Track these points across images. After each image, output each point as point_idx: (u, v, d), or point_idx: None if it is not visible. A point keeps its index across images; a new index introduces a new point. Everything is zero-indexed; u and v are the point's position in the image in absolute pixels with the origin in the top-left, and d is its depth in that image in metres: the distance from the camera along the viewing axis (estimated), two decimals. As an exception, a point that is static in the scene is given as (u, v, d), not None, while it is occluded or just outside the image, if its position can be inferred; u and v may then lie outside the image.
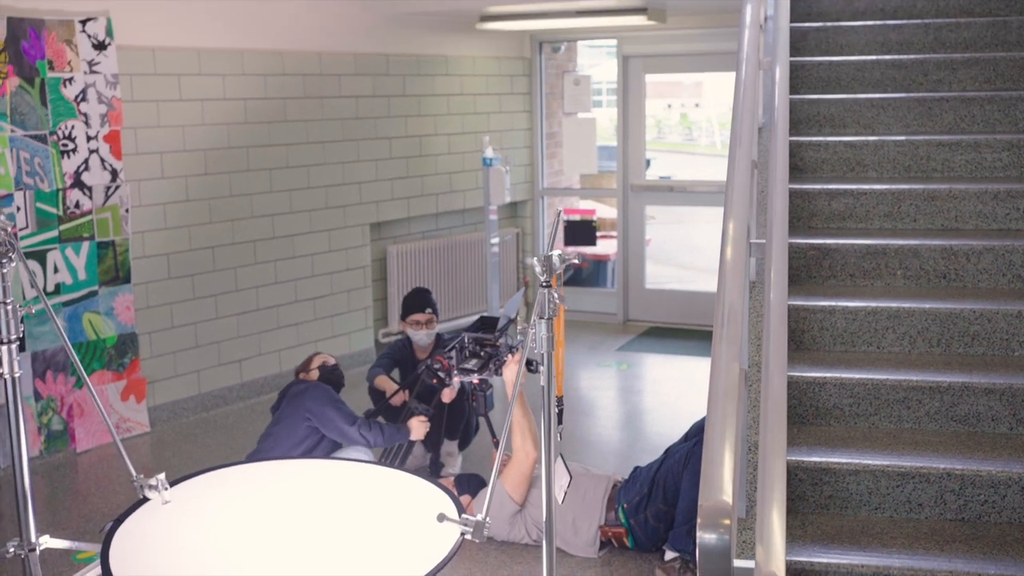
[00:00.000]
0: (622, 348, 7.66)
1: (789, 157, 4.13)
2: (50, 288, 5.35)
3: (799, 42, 4.92)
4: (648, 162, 8.67)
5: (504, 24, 7.41)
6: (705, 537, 1.68)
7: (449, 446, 5.24)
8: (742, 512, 2.92)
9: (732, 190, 2.64)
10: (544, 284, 2.70)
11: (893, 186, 4.00)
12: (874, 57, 4.72)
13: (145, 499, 3.02)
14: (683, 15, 7.63)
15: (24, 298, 4.97)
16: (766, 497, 2.00)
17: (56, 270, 5.40)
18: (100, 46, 5.46)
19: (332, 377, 4.81)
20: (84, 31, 5.39)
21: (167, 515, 2.94)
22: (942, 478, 2.98)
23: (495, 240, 7.37)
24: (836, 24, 4.96)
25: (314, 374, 4.80)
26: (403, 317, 5.37)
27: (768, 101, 3.71)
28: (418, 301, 5.34)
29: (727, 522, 1.69)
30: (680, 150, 13.64)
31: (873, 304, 3.51)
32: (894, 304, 3.50)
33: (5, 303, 3.07)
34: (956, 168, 4.17)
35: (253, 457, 4.51)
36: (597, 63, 9.69)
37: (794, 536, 2.92)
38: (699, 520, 1.69)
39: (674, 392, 6.58)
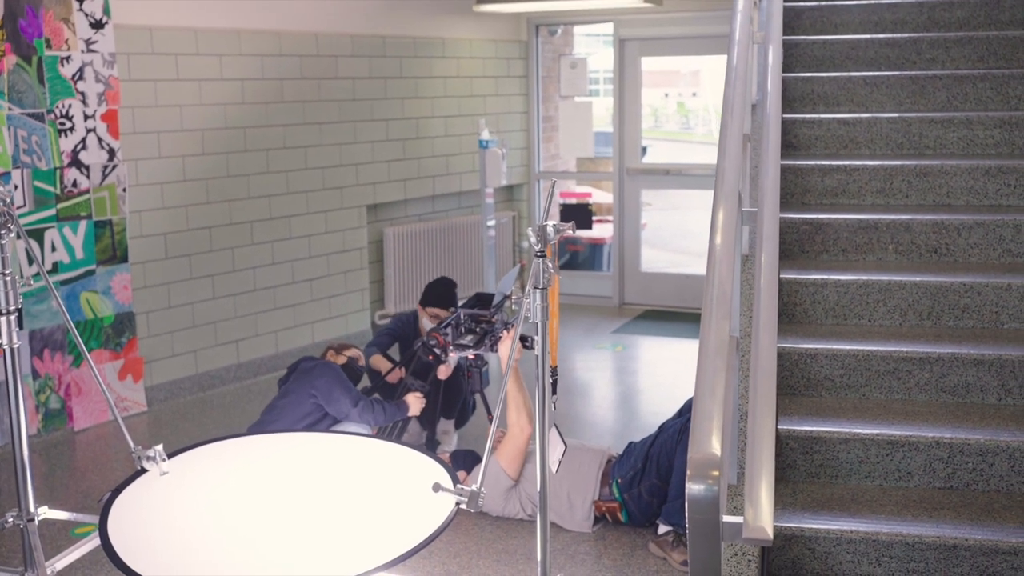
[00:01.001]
0: (617, 331, 7.70)
1: (783, 135, 4.16)
2: (47, 267, 5.37)
3: (794, 21, 4.95)
4: (644, 149, 8.69)
5: (501, 6, 7.43)
6: (694, 488, 1.71)
7: (445, 424, 5.27)
8: (733, 479, 2.96)
9: (724, 156, 2.67)
10: (539, 254, 2.73)
11: (886, 162, 4.03)
12: (868, 36, 4.75)
13: (143, 470, 3.05)
14: (679, -3, 7.65)
15: (22, 275, 4.99)
16: (755, 455, 2.03)
17: (54, 249, 5.42)
18: (97, 25, 5.47)
19: (352, 373, 4.86)
20: (81, 9, 5.40)
21: (165, 486, 2.97)
22: (931, 447, 3.01)
23: (491, 223, 7.40)
24: (831, 3, 4.98)
25: (341, 359, 4.86)
26: (424, 304, 5.29)
27: (762, 78, 3.73)
28: (447, 298, 5.25)
29: (716, 473, 1.72)
30: (677, 139, 13.63)
31: (865, 277, 3.54)
32: (885, 278, 3.53)
33: (4, 274, 3.10)
34: (948, 145, 4.20)
35: (255, 428, 4.56)
36: (594, 51, 9.69)
37: (785, 503, 2.96)
38: (688, 472, 1.72)
39: (669, 373, 6.61)
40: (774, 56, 3.66)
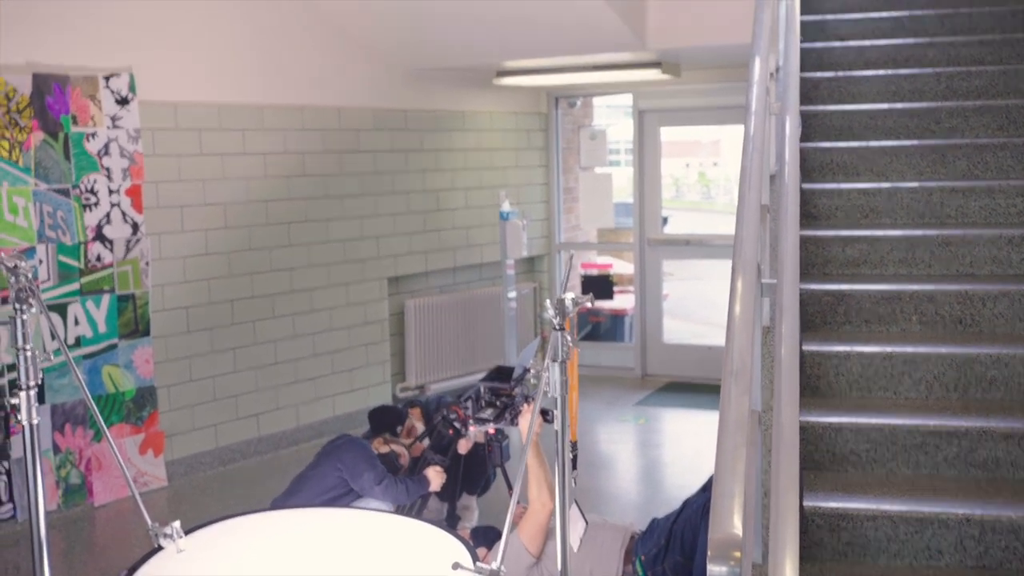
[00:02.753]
0: (640, 403, 7.63)
1: (803, 205, 4.14)
2: (70, 341, 5.39)
3: (812, 92, 4.96)
4: (665, 219, 8.70)
5: (520, 79, 7.51)
6: (715, 570, 1.66)
7: (467, 500, 5.21)
8: (758, 557, 2.88)
9: (742, 226, 2.65)
10: (557, 327, 2.71)
11: (907, 232, 4.00)
12: (886, 105, 4.74)
13: (159, 547, 3.01)
14: (697, 69, 7.70)
15: (44, 350, 5.00)
16: (779, 534, 1.97)
17: (77, 323, 5.45)
18: (123, 101, 5.56)
19: (390, 465, 4.79)
20: (107, 87, 5.49)
21: (182, 563, 2.93)
22: (961, 524, 2.93)
23: (512, 294, 7.38)
24: (848, 74, 4.99)
25: (384, 449, 4.82)
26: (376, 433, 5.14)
27: (780, 148, 3.73)
28: (390, 421, 5.18)
29: (737, 554, 1.67)
30: (699, 208, 13.65)
31: (889, 349, 3.48)
32: (910, 349, 3.47)
33: (25, 349, 3.10)
34: (970, 214, 4.16)
35: (280, 498, 4.55)
36: (614, 122, 9.77)
37: (812, 583, 2.88)
38: (709, 553, 1.68)
39: (693, 446, 6.53)
40: (791, 126, 3.66)
